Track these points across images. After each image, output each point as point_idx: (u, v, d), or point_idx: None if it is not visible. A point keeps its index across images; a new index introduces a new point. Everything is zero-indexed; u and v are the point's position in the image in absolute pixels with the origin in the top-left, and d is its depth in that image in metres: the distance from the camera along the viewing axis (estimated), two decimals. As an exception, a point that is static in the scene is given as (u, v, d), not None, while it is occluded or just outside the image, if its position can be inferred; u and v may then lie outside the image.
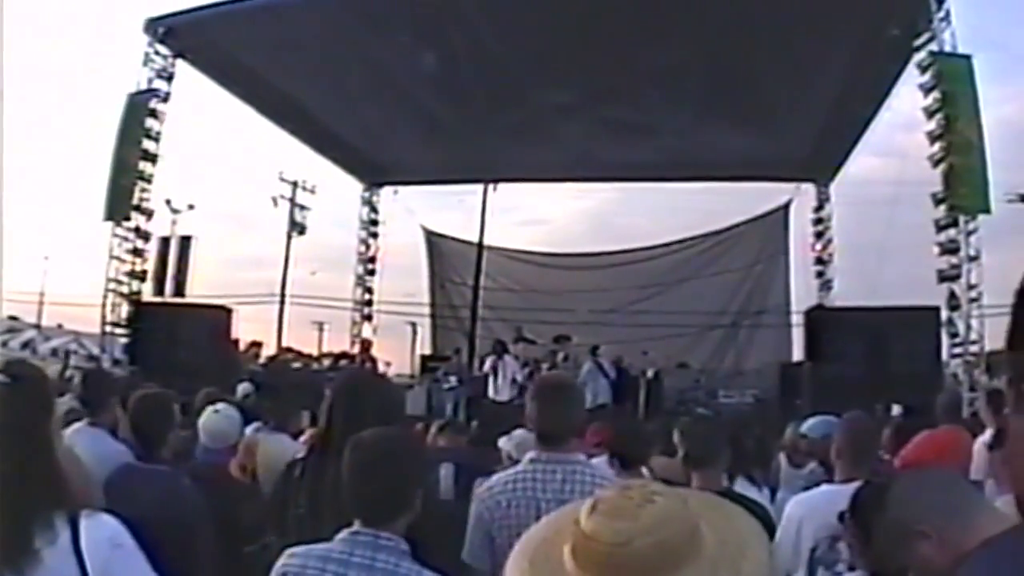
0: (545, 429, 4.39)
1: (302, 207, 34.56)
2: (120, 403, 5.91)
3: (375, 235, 31.09)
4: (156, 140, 21.74)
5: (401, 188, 30.31)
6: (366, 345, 28.81)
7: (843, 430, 5.45)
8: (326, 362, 29.75)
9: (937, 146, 17.83)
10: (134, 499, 4.19)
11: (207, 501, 4.85)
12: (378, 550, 3.24)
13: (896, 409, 11.21)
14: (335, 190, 36.52)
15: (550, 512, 3.84)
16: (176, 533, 3.94)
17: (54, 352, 34.51)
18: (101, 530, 2.83)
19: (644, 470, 6.02)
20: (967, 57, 17.96)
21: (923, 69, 18.07)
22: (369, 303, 31.12)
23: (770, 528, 4.82)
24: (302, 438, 6.53)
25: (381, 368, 26.27)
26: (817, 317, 20.16)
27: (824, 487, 4.97)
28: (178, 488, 4.72)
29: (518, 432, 6.86)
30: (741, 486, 5.64)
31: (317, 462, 4.25)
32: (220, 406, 6.49)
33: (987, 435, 6.93)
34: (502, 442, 6.99)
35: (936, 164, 17.94)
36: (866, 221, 25.87)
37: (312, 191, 34.59)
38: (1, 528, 2.69)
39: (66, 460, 3.00)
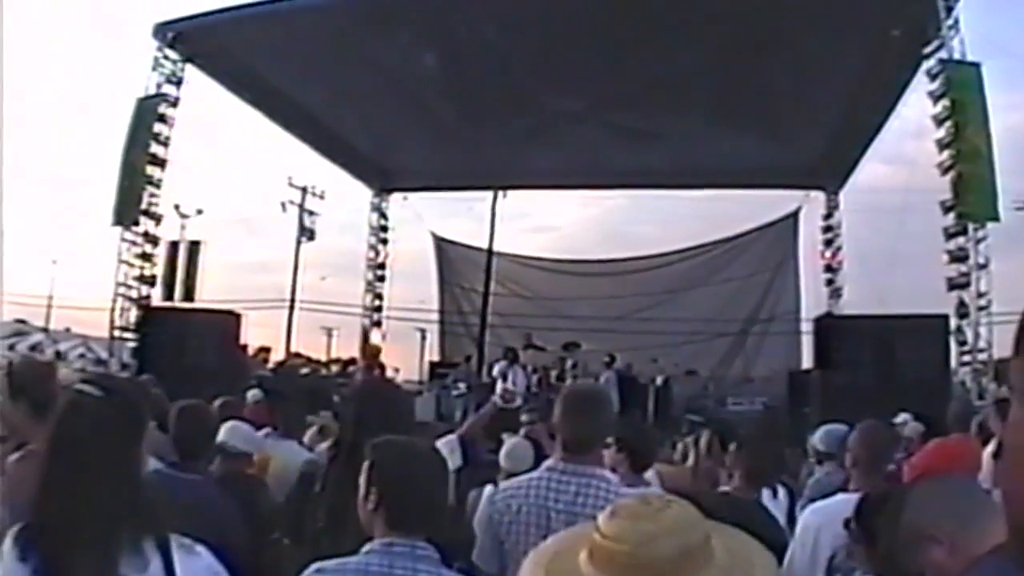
0: (570, 438, 4.31)
1: (311, 213, 34.63)
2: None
3: (385, 241, 31.12)
4: (165, 145, 21.83)
5: (411, 194, 30.32)
6: (375, 351, 28.84)
7: (860, 438, 5.43)
8: (335, 368, 29.73)
9: (946, 154, 17.84)
10: (166, 507, 4.20)
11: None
12: (418, 560, 3.13)
13: (902, 417, 11.14)
14: (344, 196, 36.62)
15: (560, 522, 3.84)
16: (211, 542, 3.95)
17: (59, 355, 34.48)
18: (197, 561, 2.79)
19: (651, 474, 6.03)
20: (976, 65, 17.96)
21: (932, 77, 18.09)
22: (379, 309, 31.12)
23: (782, 541, 4.81)
24: (320, 447, 6.47)
25: (389, 374, 26.29)
26: (826, 325, 20.09)
27: (841, 495, 4.93)
28: (211, 497, 4.70)
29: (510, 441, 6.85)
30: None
31: (339, 474, 4.20)
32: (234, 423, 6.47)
33: (995, 443, 6.91)
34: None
35: (945, 172, 17.95)
36: (875, 229, 25.85)
37: (321, 197, 34.66)
38: (85, 551, 2.59)
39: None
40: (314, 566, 3.19)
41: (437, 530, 3.28)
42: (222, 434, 6.05)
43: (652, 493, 1.71)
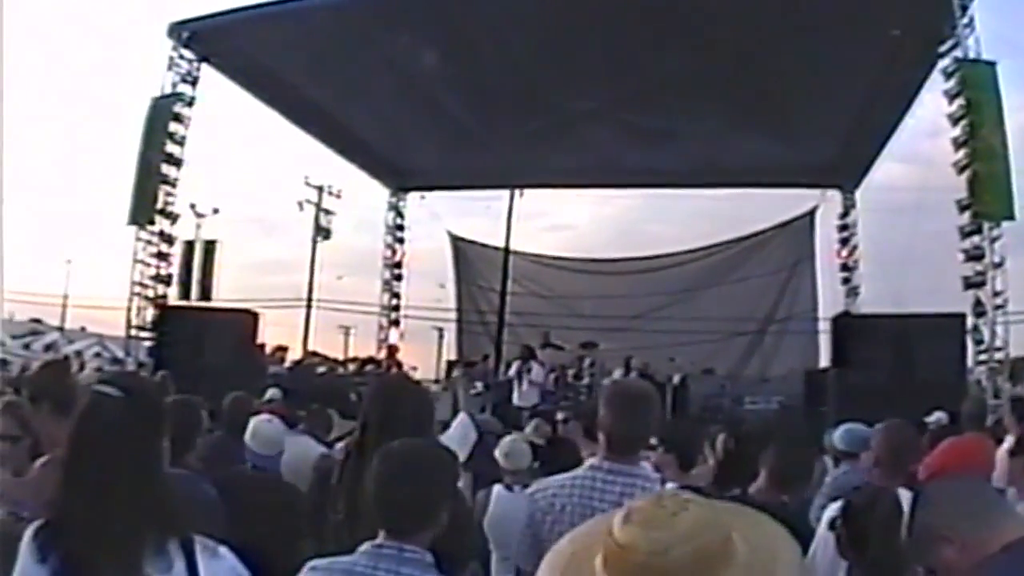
0: (617, 438, 4.31)
1: (328, 212, 34.70)
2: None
3: (401, 240, 31.02)
4: (181, 144, 21.79)
5: (427, 193, 30.25)
6: (392, 350, 28.82)
7: (883, 438, 5.42)
8: (352, 367, 29.73)
9: (961, 152, 17.73)
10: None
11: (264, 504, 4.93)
12: (403, 563, 3.15)
13: (936, 415, 11.15)
14: (361, 195, 36.65)
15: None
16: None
17: (77, 355, 34.60)
18: (221, 563, 2.80)
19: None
20: (992, 63, 17.87)
21: (948, 75, 17.99)
22: (396, 308, 31.11)
23: (801, 531, 4.80)
24: (339, 444, 6.48)
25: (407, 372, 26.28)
26: (843, 324, 20.07)
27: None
28: (200, 492, 4.73)
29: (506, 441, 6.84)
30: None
31: (355, 467, 4.20)
32: (265, 417, 6.49)
33: (1010, 442, 6.91)
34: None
35: (961, 171, 17.85)
36: (891, 227, 25.78)
37: (338, 196, 34.70)
38: (109, 552, 2.60)
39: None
40: (310, 564, 3.26)
41: (435, 534, 3.29)
42: (253, 426, 6.11)
43: (668, 493, 1.70)
